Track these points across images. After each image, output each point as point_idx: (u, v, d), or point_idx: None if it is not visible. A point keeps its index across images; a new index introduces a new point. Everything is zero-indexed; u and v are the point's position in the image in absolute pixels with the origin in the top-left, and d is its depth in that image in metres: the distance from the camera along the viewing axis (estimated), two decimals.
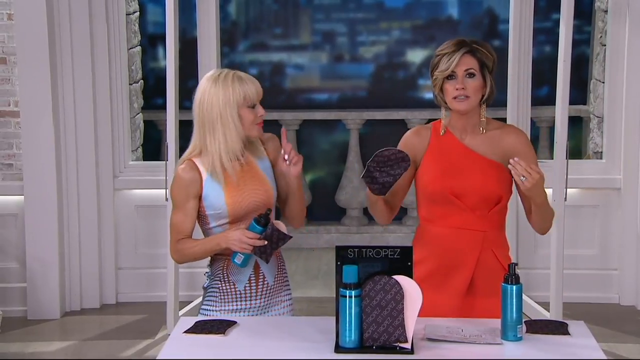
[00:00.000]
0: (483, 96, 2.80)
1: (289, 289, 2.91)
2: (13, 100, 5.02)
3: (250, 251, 2.66)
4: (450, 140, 2.83)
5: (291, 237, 2.68)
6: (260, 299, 2.81)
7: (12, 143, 5.05)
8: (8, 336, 4.71)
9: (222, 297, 2.80)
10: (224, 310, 2.79)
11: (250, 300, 2.80)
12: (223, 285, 2.79)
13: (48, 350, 4.55)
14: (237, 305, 2.79)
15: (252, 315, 2.79)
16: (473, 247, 2.77)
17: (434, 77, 2.80)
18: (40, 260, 4.98)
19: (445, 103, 2.81)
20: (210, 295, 2.82)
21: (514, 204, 5.14)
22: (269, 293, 2.83)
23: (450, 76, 2.76)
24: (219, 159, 2.71)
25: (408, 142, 2.86)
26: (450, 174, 2.78)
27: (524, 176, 2.59)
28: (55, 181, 4.97)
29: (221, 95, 2.69)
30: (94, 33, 5.07)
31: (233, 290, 2.79)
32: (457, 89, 2.75)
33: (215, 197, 2.73)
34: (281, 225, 2.69)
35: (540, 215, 2.74)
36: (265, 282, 2.81)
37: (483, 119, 2.82)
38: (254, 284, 2.80)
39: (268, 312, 2.83)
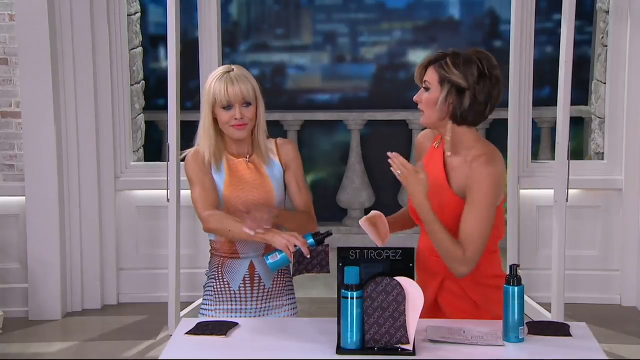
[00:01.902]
0: (452, 114, 2.61)
1: (292, 294, 2.89)
2: (14, 101, 5.02)
3: (289, 254, 2.58)
4: (438, 156, 2.70)
5: (328, 272, 2.64)
6: (257, 301, 2.80)
7: (14, 144, 5.05)
8: (9, 337, 4.71)
9: (217, 296, 2.80)
10: (220, 309, 2.79)
11: (246, 302, 2.79)
12: (217, 283, 2.80)
13: (49, 351, 4.55)
14: (232, 305, 2.79)
15: (250, 317, 2.78)
16: (434, 272, 2.69)
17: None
18: (42, 261, 4.98)
19: None
20: (207, 294, 2.84)
21: (516, 204, 5.14)
22: (267, 296, 2.81)
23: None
24: (206, 149, 2.76)
25: (418, 143, 2.86)
26: None
27: (399, 171, 2.53)
28: (57, 182, 4.97)
29: (205, 91, 2.77)
30: (95, 34, 5.07)
31: (227, 289, 2.79)
32: (413, 100, 2.69)
33: (218, 184, 2.77)
34: (330, 254, 2.64)
35: (430, 235, 2.54)
36: (262, 285, 2.80)
37: (447, 137, 2.64)
38: (249, 285, 2.79)
39: (267, 315, 2.82)
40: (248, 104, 2.73)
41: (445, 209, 2.61)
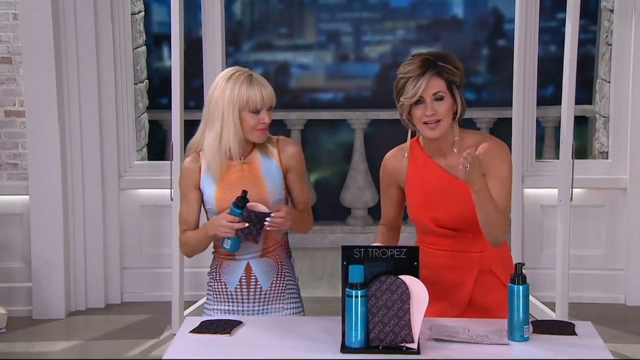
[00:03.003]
0: (455, 114, 2.64)
1: (295, 297, 2.84)
2: (18, 100, 5.02)
3: (234, 235, 2.65)
4: (428, 163, 2.71)
5: (270, 213, 2.63)
6: (254, 303, 2.78)
7: (18, 143, 5.05)
8: (13, 336, 4.72)
9: (216, 296, 2.81)
10: (218, 309, 2.80)
11: (242, 303, 2.78)
12: (216, 284, 2.81)
13: (53, 350, 4.55)
14: (229, 305, 2.78)
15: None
16: (470, 268, 2.71)
17: (400, 104, 2.64)
18: (46, 260, 4.99)
19: (414, 126, 2.67)
20: (207, 293, 2.86)
21: (520, 203, 5.13)
22: (264, 299, 2.79)
23: (418, 101, 2.60)
24: (212, 156, 2.72)
25: (388, 168, 2.79)
26: (433, 205, 2.68)
27: (469, 164, 2.45)
28: (61, 181, 4.97)
29: (227, 95, 2.69)
30: (99, 33, 5.07)
31: (225, 290, 2.79)
32: (426, 115, 2.59)
33: (209, 191, 2.76)
34: (259, 207, 2.65)
35: (483, 212, 2.52)
36: (259, 287, 2.78)
37: (457, 137, 2.67)
38: (245, 287, 2.77)
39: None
40: (271, 107, 2.74)
41: (469, 199, 2.56)
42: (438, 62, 2.62)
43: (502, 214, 2.58)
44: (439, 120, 2.61)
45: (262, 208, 2.65)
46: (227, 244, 2.69)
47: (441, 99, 2.61)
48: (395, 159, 2.78)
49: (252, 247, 2.75)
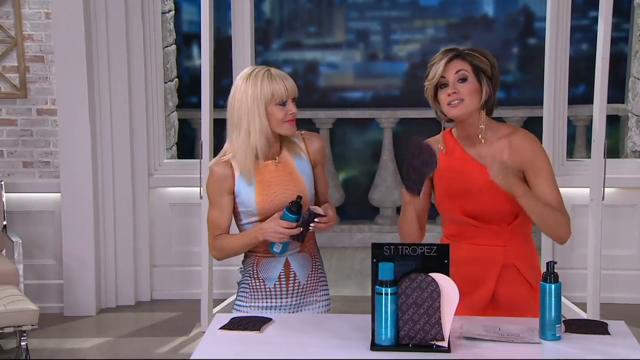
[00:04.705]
0: (485, 101, 2.65)
1: (326, 289, 2.89)
2: (50, 99, 5.07)
3: (287, 239, 2.67)
4: (458, 153, 2.72)
5: (324, 215, 2.67)
6: (292, 297, 2.79)
7: (49, 141, 5.10)
8: (45, 332, 4.76)
9: (253, 293, 2.80)
10: (254, 306, 2.79)
11: (281, 298, 2.79)
12: (253, 281, 2.80)
13: (84, 347, 4.59)
14: (267, 302, 2.79)
15: (285, 313, 2.78)
16: (493, 262, 2.69)
17: (425, 89, 2.70)
18: (77, 258, 5.03)
19: (445, 115, 2.70)
20: (242, 291, 2.84)
21: None
22: (301, 292, 2.81)
23: (443, 85, 2.65)
24: (244, 155, 2.70)
25: None
26: (460, 193, 2.68)
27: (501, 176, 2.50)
28: (91, 179, 5.02)
29: (250, 93, 2.69)
30: (130, 32, 5.11)
31: (263, 287, 2.79)
32: (449, 95, 2.63)
33: (246, 194, 2.74)
34: (318, 210, 2.68)
35: (534, 214, 2.58)
36: (297, 281, 2.80)
37: (482, 126, 2.67)
38: (284, 283, 2.79)
39: (301, 311, 2.82)
40: (295, 98, 2.75)
41: (497, 191, 2.59)
42: (465, 51, 2.68)
43: (556, 210, 2.62)
44: (462, 99, 2.63)
45: (318, 210, 2.68)
46: (278, 248, 2.72)
47: (464, 79, 2.64)
48: None
49: (293, 244, 2.76)
